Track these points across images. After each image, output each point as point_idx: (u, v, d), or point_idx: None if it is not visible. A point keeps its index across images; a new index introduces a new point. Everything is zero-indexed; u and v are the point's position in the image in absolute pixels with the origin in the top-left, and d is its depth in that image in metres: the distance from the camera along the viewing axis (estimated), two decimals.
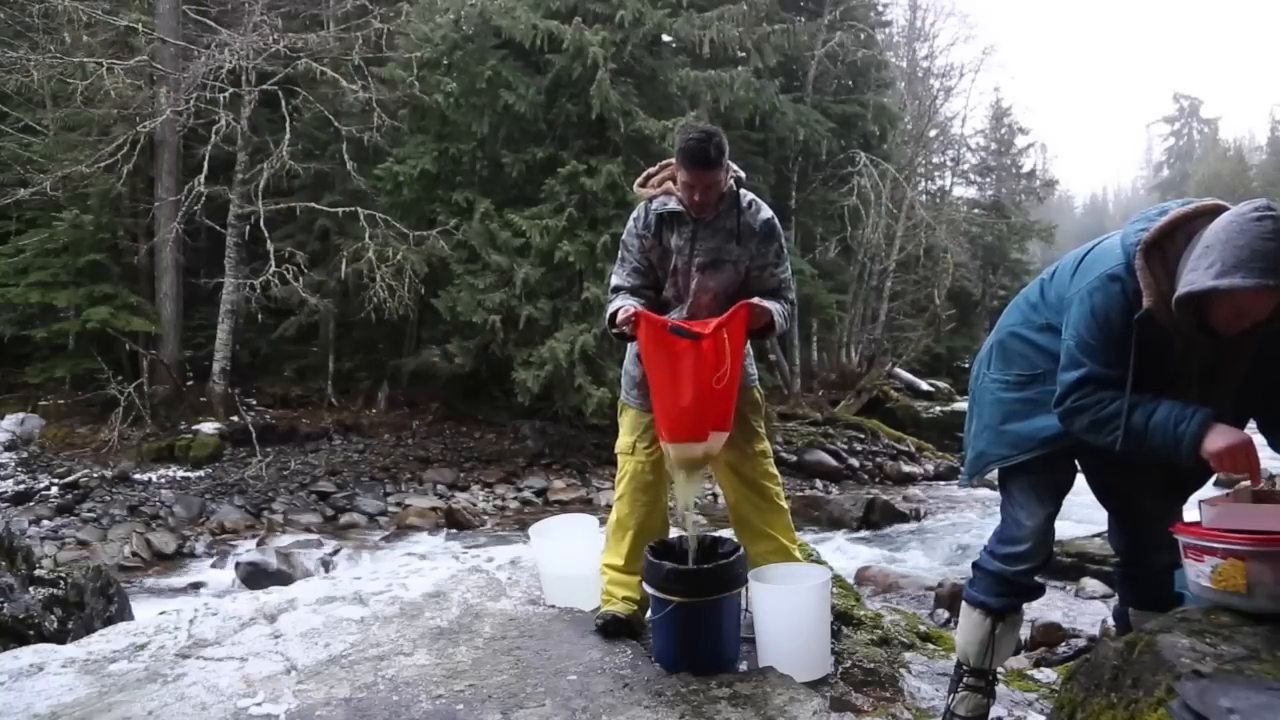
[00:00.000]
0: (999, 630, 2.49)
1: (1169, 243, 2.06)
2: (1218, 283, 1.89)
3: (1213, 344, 2.10)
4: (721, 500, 3.71)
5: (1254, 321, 1.97)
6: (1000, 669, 2.79)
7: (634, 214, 3.07)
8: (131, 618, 4.31)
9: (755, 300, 2.86)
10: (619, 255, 3.09)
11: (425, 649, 2.95)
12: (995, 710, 2.66)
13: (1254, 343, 2.11)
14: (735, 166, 2.97)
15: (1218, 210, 2.02)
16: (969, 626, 2.54)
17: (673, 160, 3.01)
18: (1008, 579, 2.45)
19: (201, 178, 12.45)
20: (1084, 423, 2.19)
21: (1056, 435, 2.30)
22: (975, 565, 2.57)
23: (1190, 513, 2.35)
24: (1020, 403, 2.39)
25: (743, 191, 2.97)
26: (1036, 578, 2.48)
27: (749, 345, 3.16)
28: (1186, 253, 2.00)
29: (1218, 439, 2.02)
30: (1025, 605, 2.55)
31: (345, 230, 13.56)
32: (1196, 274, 1.94)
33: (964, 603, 2.58)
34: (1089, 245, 2.33)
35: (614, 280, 3.06)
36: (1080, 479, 2.54)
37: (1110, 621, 4.91)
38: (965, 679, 2.56)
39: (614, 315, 2.88)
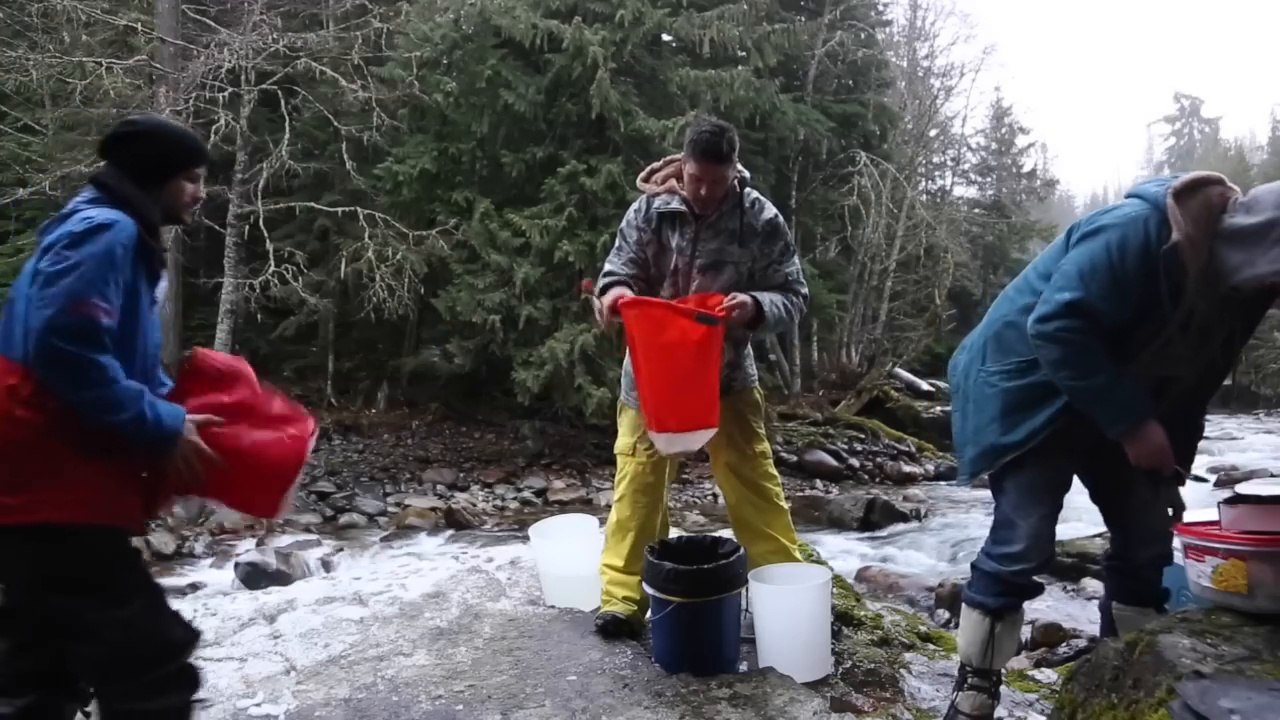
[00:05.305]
0: (999, 630, 2.49)
1: (1189, 195, 2.15)
2: None
3: (1221, 302, 2.18)
4: (721, 500, 3.70)
5: None
6: (1002, 669, 2.79)
7: (634, 205, 3.02)
8: None
9: (738, 295, 2.79)
10: (615, 244, 3.06)
11: (425, 649, 2.95)
12: (996, 710, 2.65)
13: (1240, 306, 2.22)
14: (740, 167, 2.96)
15: (1213, 181, 2.17)
16: (969, 627, 2.54)
17: (676, 157, 3.00)
18: (1004, 579, 2.45)
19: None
20: (1055, 354, 2.24)
21: (1060, 413, 2.32)
22: (973, 565, 2.58)
23: (1208, 512, 2.34)
24: (1025, 389, 2.38)
25: (747, 191, 2.94)
26: (1035, 577, 2.48)
27: (749, 346, 3.15)
28: (1229, 215, 2.11)
29: (1142, 442, 2.22)
30: (1025, 604, 2.55)
31: (345, 230, 13.53)
32: None
33: (963, 603, 2.59)
34: (1073, 224, 2.39)
35: (608, 266, 3.02)
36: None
37: None
38: (969, 679, 2.56)
39: (604, 290, 2.87)
